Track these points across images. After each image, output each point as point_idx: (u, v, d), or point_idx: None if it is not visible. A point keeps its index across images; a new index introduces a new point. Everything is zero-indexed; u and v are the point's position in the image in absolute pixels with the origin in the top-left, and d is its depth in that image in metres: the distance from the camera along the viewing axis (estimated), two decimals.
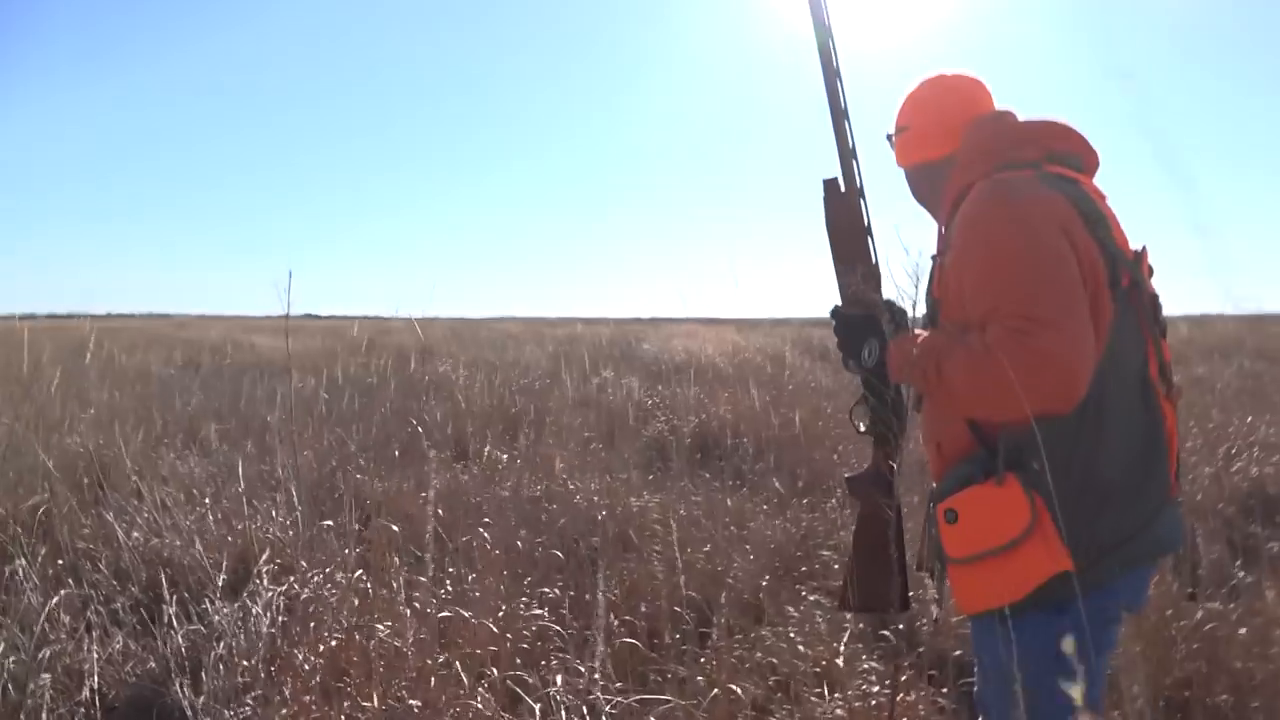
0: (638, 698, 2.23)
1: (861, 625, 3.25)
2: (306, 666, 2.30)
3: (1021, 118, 1.77)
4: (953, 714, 2.68)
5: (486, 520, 4.06)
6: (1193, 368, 9.70)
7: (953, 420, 1.63)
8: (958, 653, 3.02)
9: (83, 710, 2.59)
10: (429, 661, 2.31)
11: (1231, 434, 5.57)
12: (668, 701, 2.27)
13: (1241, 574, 3.40)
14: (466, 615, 2.57)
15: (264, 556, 3.22)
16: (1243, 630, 2.88)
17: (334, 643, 2.41)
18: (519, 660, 2.53)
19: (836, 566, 3.83)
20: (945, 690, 2.78)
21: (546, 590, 3.17)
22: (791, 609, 3.28)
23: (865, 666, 2.80)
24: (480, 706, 2.15)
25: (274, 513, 3.90)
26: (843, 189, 1.79)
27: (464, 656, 2.38)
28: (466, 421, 6.81)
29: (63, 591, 2.96)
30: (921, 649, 3.03)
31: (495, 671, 2.32)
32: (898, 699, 2.65)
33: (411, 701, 2.15)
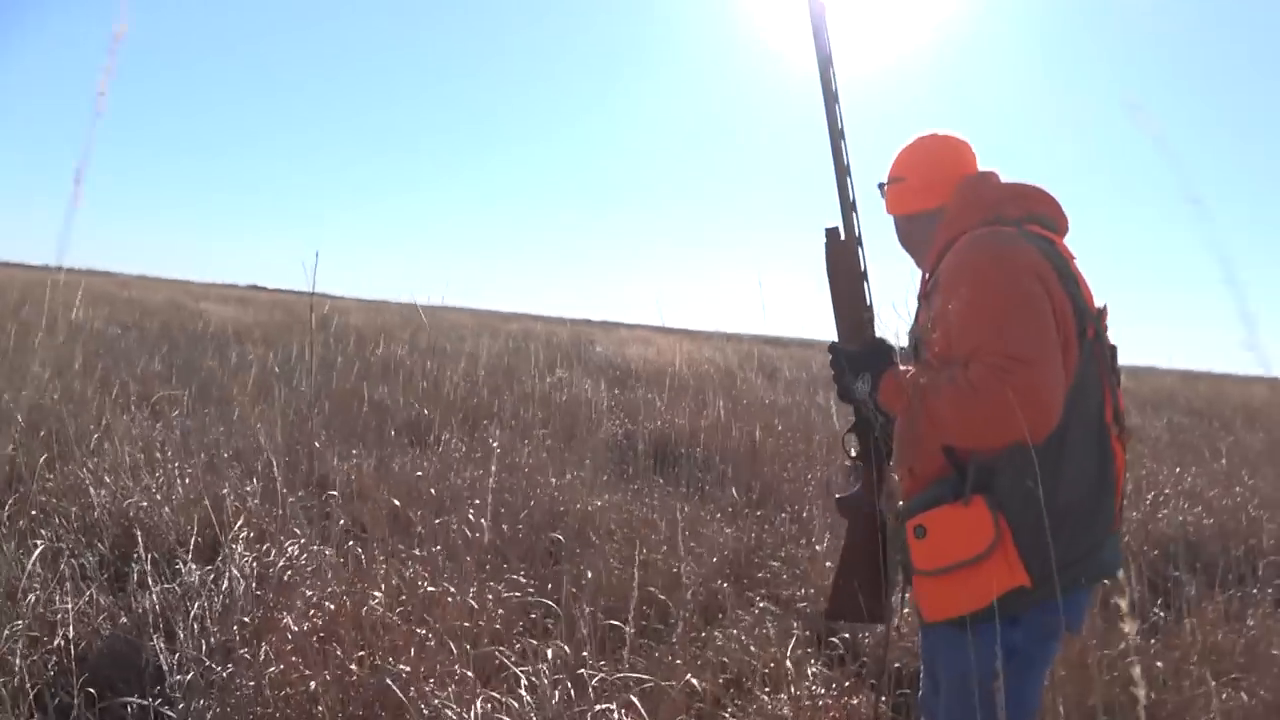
0: (620, 675, 2.37)
1: (808, 632, 3.42)
2: (295, 628, 2.39)
3: (1003, 179, 1.96)
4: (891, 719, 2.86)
5: (447, 505, 4.15)
6: (1129, 417, 10.13)
7: (926, 446, 1.78)
8: (897, 665, 3.22)
9: (54, 659, 2.64)
10: (417, 630, 2.42)
11: (1160, 481, 5.88)
12: (648, 681, 2.41)
13: (1160, 614, 3.65)
14: (450, 590, 2.68)
15: (238, 523, 3.28)
16: (1159, 664, 3.11)
17: (330, 605, 2.50)
18: (489, 639, 2.64)
19: (785, 576, 4.01)
20: (884, 698, 2.97)
21: (514, 575, 3.28)
22: (743, 613, 3.44)
23: (813, 670, 2.97)
24: (470, 674, 2.27)
25: (244, 483, 3.95)
26: (842, 237, 1.95)
27: (447, 628, 2.49)
28: (425, 409, 6.87)
29: (38, 542, 3.00)
30: (864, 659, 3.21)
31: (470, 648, 2.44)
32: (842, 701, 2.83)
33: (401, 667, 2.25)
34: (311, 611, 2.51)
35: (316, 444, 4.92)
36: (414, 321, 15.65)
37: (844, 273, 1.93)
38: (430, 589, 2.69)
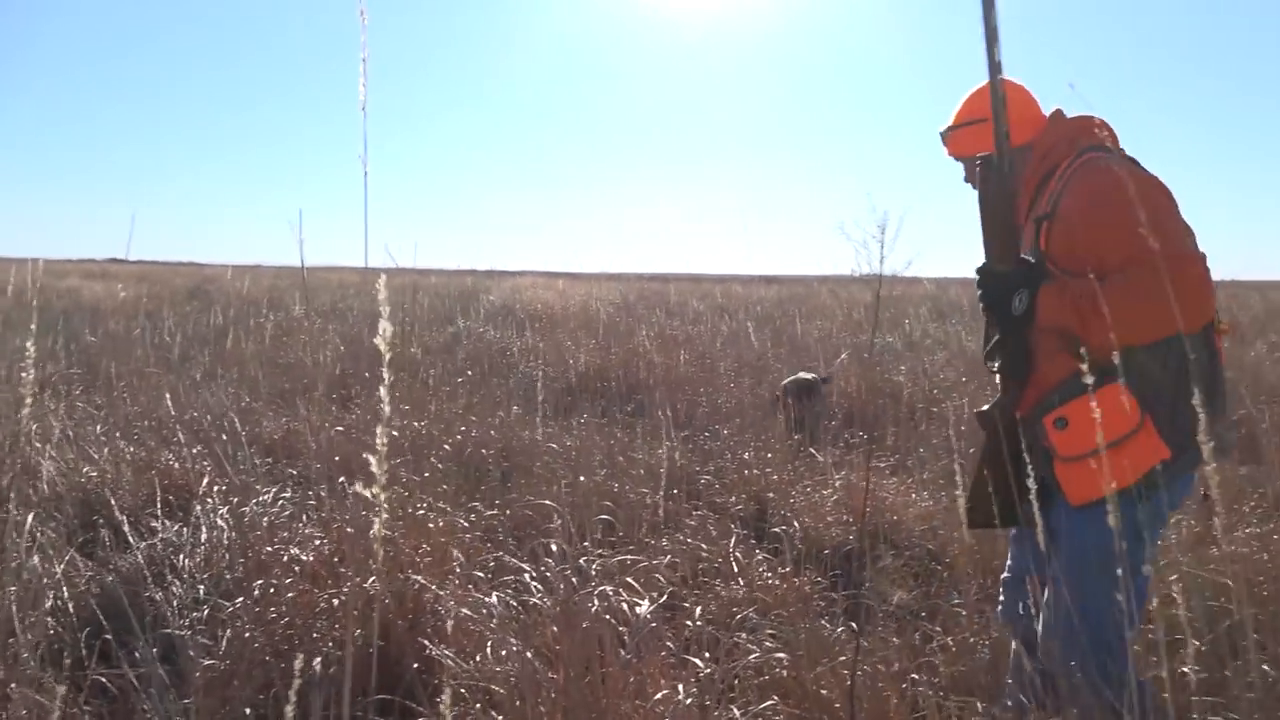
0: (619, 557, 2.66)
1: (745, 531, 3.80)
2: (304, 557, 2.58)
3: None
4: (825, 592, 3.25)
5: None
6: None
7: (1052, 355, 1.96)
8: (826, 551, 3.63)
9: (51, 619, 2.75)
10: (423, 545, 2.64)
11: None
12: (641, 562, 2.72)
13: None
14: (441, 508, 2.90)
15: (204, 480, 3.40)
16: None
17: (327, 539, 2.67)
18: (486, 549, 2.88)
19: (718, 486, 4.37)
20: (820, 579, 3.36)
21: (475, 503, 3.52)
22: (687, 521, 3.78)
23: (759, 557, 3.33)
24: (481, 574, 2.51)
25: (190, 448, 4.03)
26: (996, 164, 2.03)
27: (448, 543, 2.72)
28: (337, 367, 6.94)
29: (11, 508, 3.06)
30: (799, 545, 3.60)
31: (467, 558, 2.68)
32: (787, 583, 3.20)
33: (415, 577, 2.48)
34: (316, 541, 2.69)
35: (240, 407, 4.98)
36: (300, 283, 15.36)
37: (999, 198, 2.02)
38: (420, 511, 2.90)
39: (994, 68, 1.99)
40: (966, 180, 2.26)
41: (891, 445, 5.24)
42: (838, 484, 4.24)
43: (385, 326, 1.05)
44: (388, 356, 1.02)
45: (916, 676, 2.46)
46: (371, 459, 0.95)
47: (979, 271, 2.06)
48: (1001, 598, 2.29)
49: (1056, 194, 2.02)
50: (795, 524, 3.80)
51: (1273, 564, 3.02)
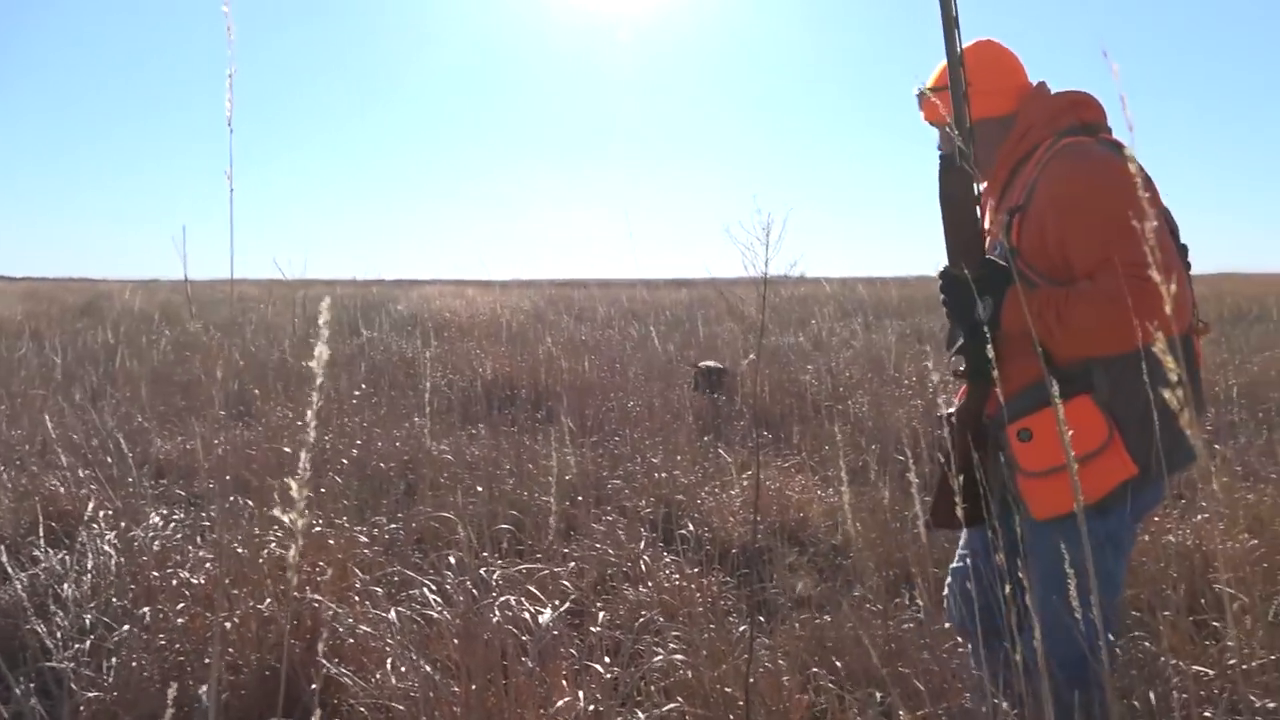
0: (523, 566, 2.63)
1: (655, 534, 3.81)
2: (194, 581, 2.48)
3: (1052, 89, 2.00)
4: (733, 590, 3.29)
5: (286, 469, 4.22)
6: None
7: (1016, 356, 1.81)
8: (734, 550, 3.67)
9: None
10: (316, 564, 2.57)
11: None
12: (541, 570, 2.70)
13: None
14: (341, 525, 2.83)
15: (90, 505, 3.26)
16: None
17: (215, 561, 2.59)
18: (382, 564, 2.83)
19: (627, 490, 4.38)
20: (728, 579, 3.39)
21: (378, 517, 3.46)
22: (596, 526, 3.77)
23: (667, 560, 3.35)
24: (379, 590, 2.46)
25: (76, 471, 3.86)
26: (958, 162, 1.88)
27: (346, 559, 2.66)
28: (236, 382, 6.73)
29: None
30: (708, 547, 3.63)
31: (366, 573, 2.63)
32: (696, 584, 3.22)
33: (312, 596, 2.41)
34: (207, 564, 2.60)
35: (130, 427, 4.79)
36: (200, 298, 14.87)
37: (958, 198, 1.89)
38: (318, 529, 2.83)
39: (950, 27, 1.84)
40: (940, 149, 2.08)
41: (797, 444, 5.33)
42: (744, 483, 4.30)
43: (322, 351, 0.98)
44: (319, 380, 0.96)
45: (818, 670, 2.51)
46: (292, 483, 0.89)
47: (941, 275, 1.94)
48: (946, 591, 2.21)
49: (1032, 183, 1.89)
50: (704, 525, 3.84)
51: (1153, 543, 3.19)
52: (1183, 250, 1.90)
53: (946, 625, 2.41)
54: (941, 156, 1.92)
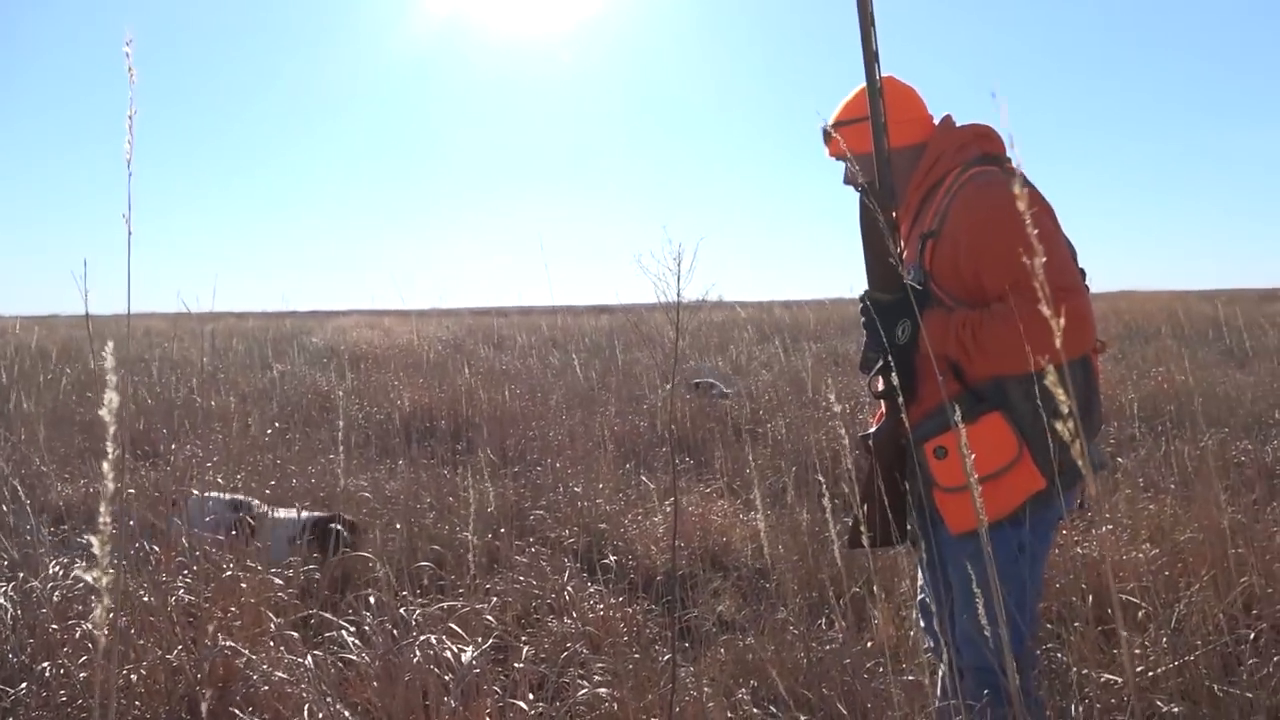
0: (444, 604, 2.58)
1: (579, 564, 3.79)
2: (95, 633, 2.36)
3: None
4: (658, 617, 3.29)
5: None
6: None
7: (932, 375, 1.85)
8: (659, 578, 3.68)
9: None
10: (229, 610, 2.48)
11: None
12: (462, 608, 2.65)
13: None
14: (252, 567, 2.74)
15: None
16: None
17: (124, 610, 2.48)
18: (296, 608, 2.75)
19: (550, 520, 4.35)
20: (653, 607, 3.40)
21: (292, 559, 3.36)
22: (520, 558, 3.74)
23: (591, 590, 3.33)
24: (295, 635, 2.38)
25: None
26: (878, 189, 1.96)
27: (259, 603, 2.57)
28: (140, 421, 6.50)
29: None
30: (632, 576, 3.63)
31: (281, 617, 2.55)
32: (620, 613, 3.22)
33: (224, 642, 2.32)
34: (110, 615, 2.48)
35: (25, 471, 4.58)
36: (102, 334, 14.31)
37: (878, 224, 1.93)
38: (229, 573, 2.73)
39: (870, 61, 1.91)
40: (846, 182, 2.16)
41: (719, 468, 5.37)
42: (667, 510, 4.31)
43: (111, 398, 0.90)
44: (112, 429, 0.89)
45: (743, 695, 2.52)
46: (93, 540, 0.84)
47: (862, 299, 2.01)
48: (921, 622, 2.27)
49: (943, 210, 1.98)
50: (627, 553, 3.84)
51: (1061, 556, 3.30)
52: (1081, 273, 2.00)
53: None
54: (861, 186, 1.97)
